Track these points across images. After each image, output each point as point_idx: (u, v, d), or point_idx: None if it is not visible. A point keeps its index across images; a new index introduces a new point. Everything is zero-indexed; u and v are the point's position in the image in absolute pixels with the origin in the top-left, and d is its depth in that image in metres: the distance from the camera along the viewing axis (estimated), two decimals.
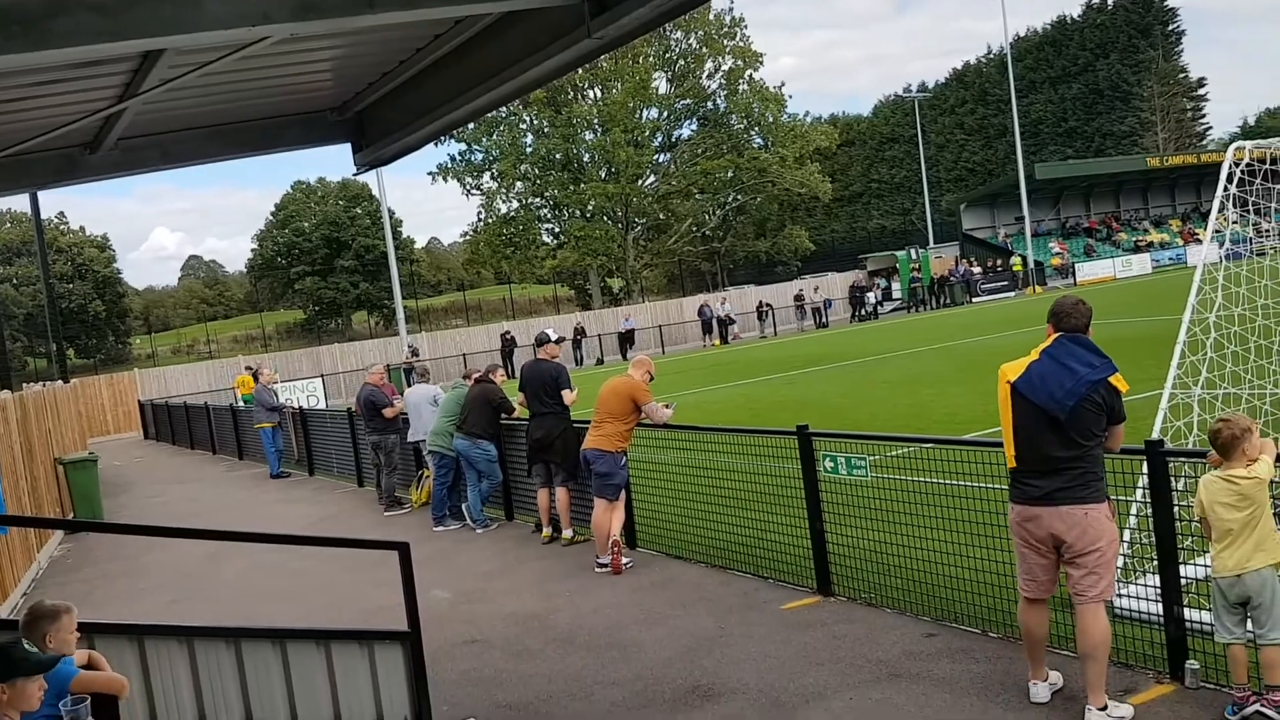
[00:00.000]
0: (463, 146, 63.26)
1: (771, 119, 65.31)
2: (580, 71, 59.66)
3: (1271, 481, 4.68)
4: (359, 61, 5.67)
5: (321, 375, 38.51)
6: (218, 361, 44.23)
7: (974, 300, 50.22)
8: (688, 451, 9.01)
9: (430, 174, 66.55)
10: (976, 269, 53.71)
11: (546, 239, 67.17)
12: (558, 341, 10.74)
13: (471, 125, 58.41)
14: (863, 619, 6.84)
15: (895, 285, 54.15)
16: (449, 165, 64.18)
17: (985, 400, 15.62)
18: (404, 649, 5.34)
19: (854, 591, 7.26)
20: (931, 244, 60.84)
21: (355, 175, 7.10)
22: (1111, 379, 4.82)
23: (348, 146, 6.91)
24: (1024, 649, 5.32)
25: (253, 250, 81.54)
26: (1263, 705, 4.61)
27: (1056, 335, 5.02)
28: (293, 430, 18.76)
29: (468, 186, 64.78)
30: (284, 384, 30.64)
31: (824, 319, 49.28)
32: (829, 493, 7.37)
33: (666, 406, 9.19)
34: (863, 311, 50.19)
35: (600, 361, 43.29)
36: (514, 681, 6.52)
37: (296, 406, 20.69)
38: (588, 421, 9.32)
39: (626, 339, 44.90)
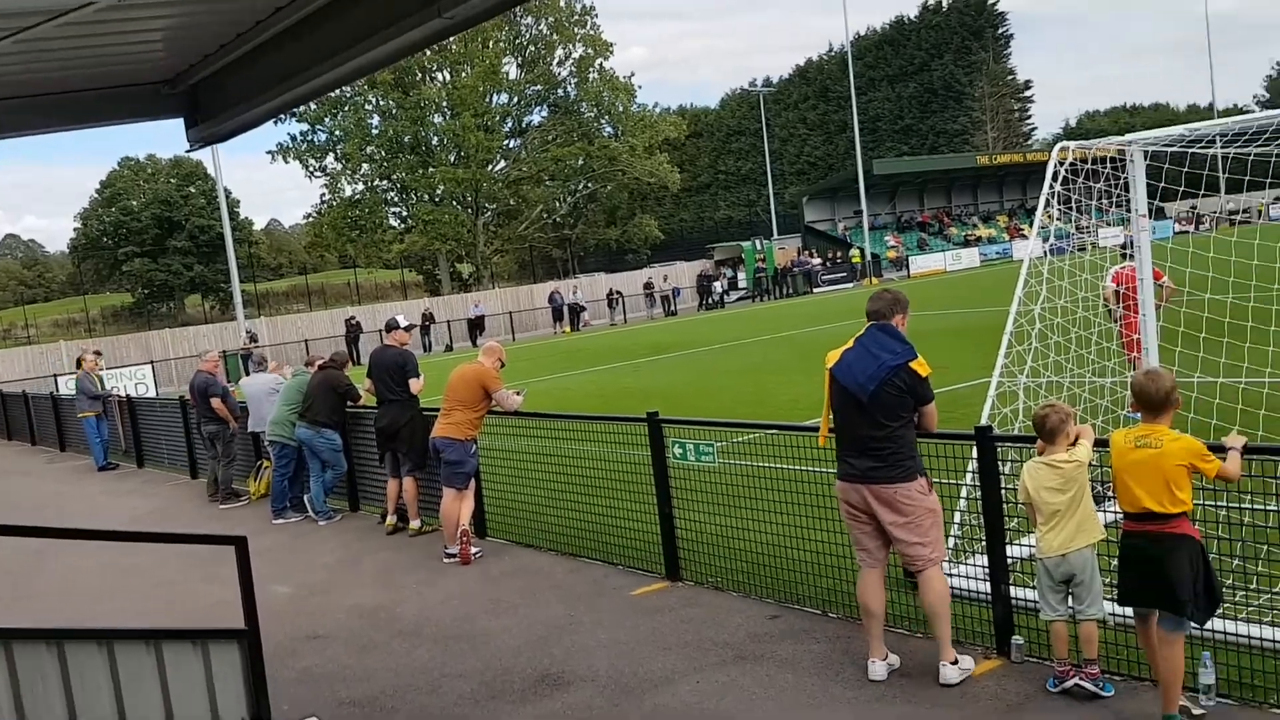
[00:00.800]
0: (305, 126, 61.19)
1: (621, 108, 65.69)
2: (429, 53, 58.50)
3: (1089, 465, 4.99)
4: (193, 32, 5.38)
5: (151, 362, 36.64)
6: (37, 347, 41.48)
7: (815, 291, 51.80)
8: (539, 439, 8.98)
9: (270, 153, 64.13)
10: (817, 260, 55.43)
11: (394, 223, 65.68)
12: (407, 328, 10.52)
13: (314, 104, 56.52)
14: (709, 603, 6.97)
15: (741, 275, 55.34)
16: (290, 145, 61.95)
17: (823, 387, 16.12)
18: (241, 647, 5.13)
19: (701, 576, 7.39)
20: (775, 235, 62.42)
21: (188, 152, 6.74)
22: (911, 364, 5.22)
23: (180, 121, 6.55)
24: (863, 626, 5.53)
25: (76, 229, 76.75)
26: (1080, 679, 4.91)
27: (870, 325, 5.45)
28: (119, 420, 17.77)
29: (310, 168, 62.67)
30: (110, 371, 28.98)
31: (672, 307, 49.91)
32: (678, 479, 7.47)
33: (517, 393, 9.13)
34: (710, 300, 51.09)
35: (449, 348, 42.66)
36: (358, 677, 6.37)
37: (124, 395, 19.60)
38: (437, 409, 9.18)
39: (476, 325, 44.41)
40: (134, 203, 71.55)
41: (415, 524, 9.88)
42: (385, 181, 64.10)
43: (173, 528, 11.25)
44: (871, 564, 5.44)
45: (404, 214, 65.58)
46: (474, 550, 8.76)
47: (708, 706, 5.37)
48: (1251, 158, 7.77)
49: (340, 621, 7.50)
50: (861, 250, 55.87)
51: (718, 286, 52.41)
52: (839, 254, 57.11)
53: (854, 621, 6.18)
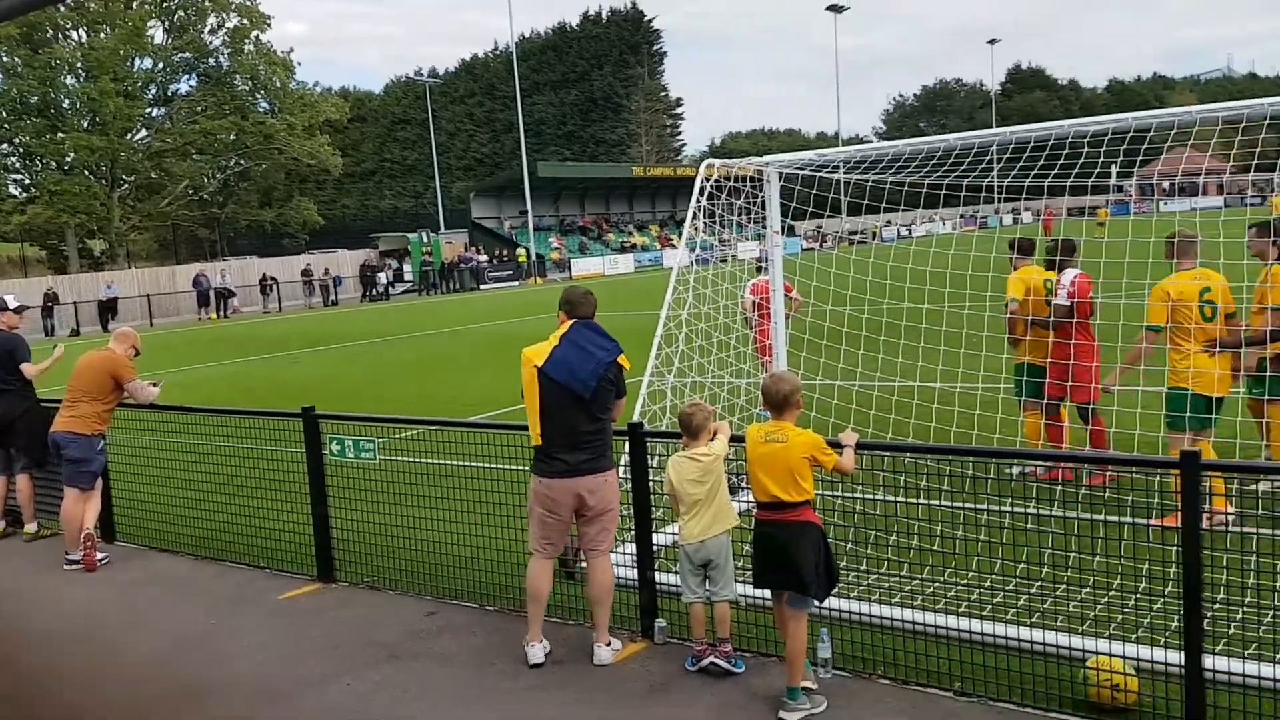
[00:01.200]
0: None
1: (279, 84, 62.39)
2: (63, 10, 52.54)
3: (725, 458, 5.43)
4: None
5: None
6: None
7: (482, 287, 51.96)
8: (177, 435, 8.37)
9: None
10: (484, 257, 55.65)
11: (14, 191, 58.31)
12: (18, 310, 9.40)
13: None
14: (365, 603, 6.83)
15: (407, 267, 54.39)
16: None
17: (493, 384, 16.29)
18: None
19: (357, 576, 7.22)
20: (443, 229, 61.92)
21: None
22: (620, 359, 5.52)
23: None
24: (527, 610, 5.66)
25: None
26: (715, 656, 5.33)
27: (571, 322, 5.57)
28: None
29: None
30: None
31: (334, 297, 48.16)
32: (334, 476, 7.25)
33: (153, 385, 8.46)
34: (374, 292, 49.82)
35: (75, 333, 38.50)
36: None
37: None
38: (59, 401, 8.30)
39: (108, 308, 40.49)
40: None
41: (31, 527, 8.88)
42: (5, 145, 56.79)
43: None
44: (551, 553, 5.62)
45: (27, 182, 58.41)
46: (100, 556, 8.01)
47: (357, 706, 5.27)
48: (869, 184, 8.75)
49: None
50: (527, 250, 56.74)
51: (382, 278, 51.20)
52: (505, 252, 57.64)
53: (511, 614, 6.31)
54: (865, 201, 9.04)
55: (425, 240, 54.60)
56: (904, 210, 13.95)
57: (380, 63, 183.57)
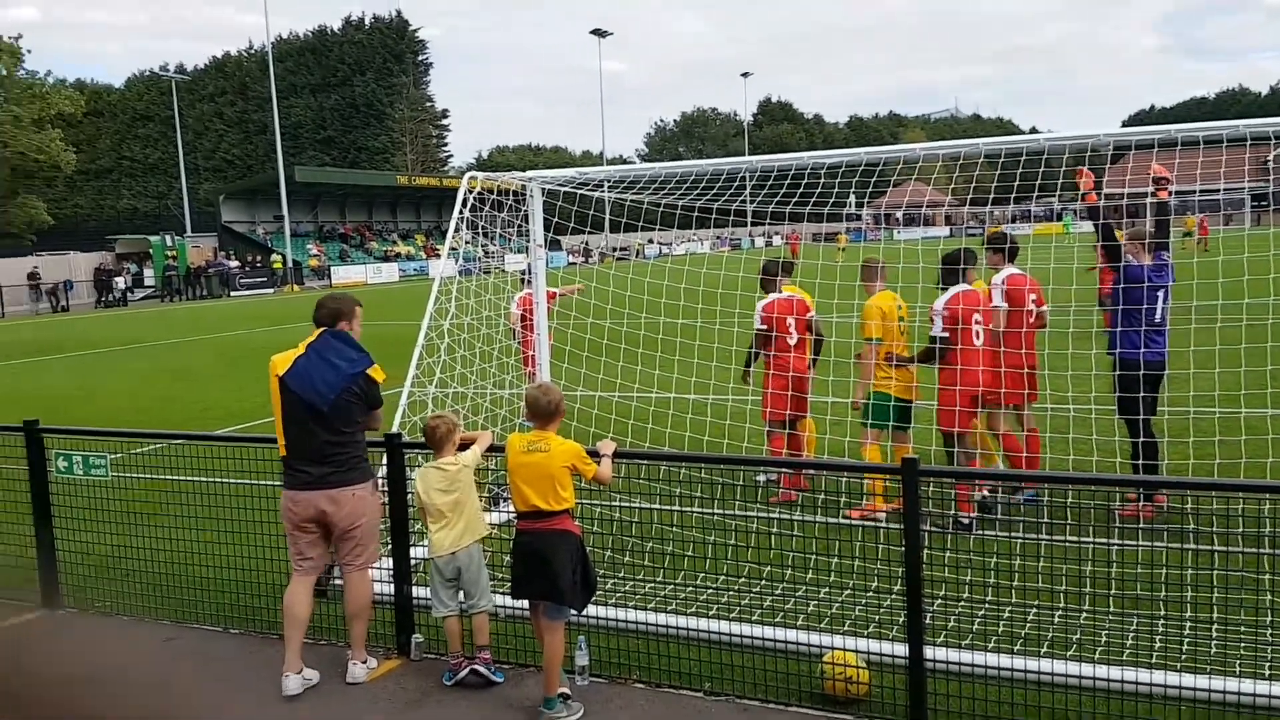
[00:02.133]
0: None
1: (4, 72, 56.96)
2: None
3: (481, 469, 5.45)
4: None
5: None
6: None
7: (232, 294, 49.33)
8: None
9: None
10: (235, 263, 52.90)
11: None
12: None
13: None
14: (95, 630, 6.35)
15: (149, 271, 50.93)
16: None
17: (242, 395, 15.49)
18: None
19: (86, 602, 6.70)
20: (189, 232, 58.42)
21: None
22: (369, 371, 5.36)
23: None
24: (284, 637, 5.38)
25: None
26: (476, 665, 5.32)
27: (320, 331, 5.41)
28: None
29: None
30: None
31: (64, 302, 44.37)
32: (60, 495, 6.70)
33: None
34: (110, 297, 46.30)
35: None
36: None
37: None
38: None
39: None
40: None
41: None
42: None
43: None
44: (308, 571, 5.41)
45: None
46: None
47: None
48: (628, 204, 9.02)
49: None
50: (283, 256, 54.36)
51: (120, 283, 47.64)
52: (259, 258, 54.98)
53: (257, 635, 6.04)
54: (625, 220, 9.30)
55: (169, 243, 51.29)
56: (664, 229, 14.45)
57: (121, 55, 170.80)
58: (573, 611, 5.04)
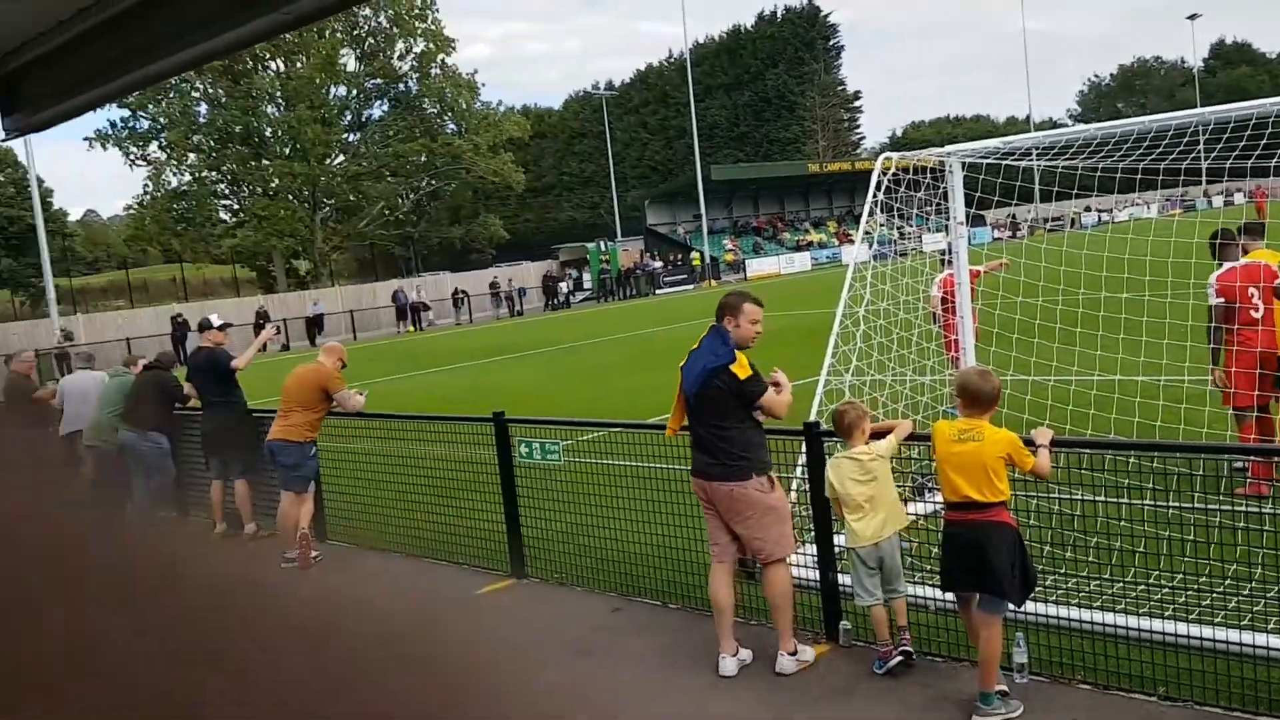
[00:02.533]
0: (126, 113, 57.90)
1: (464, 105, 64.90)
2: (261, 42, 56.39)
3: (903, 458, 5.32)
4: (11, 19, 5.10)
5: None
6: None
7: (657, 292, 52.50)
8: (382, 440, 8.85)
9: (87, 140, 60.05)
10: (659, 263, 56.23)
11: (224, 216, 62.98)
12: (222, 328, 10.15)
13: (137, 90, 53.68)
14: (554, 599, 7.04)
15: (586, 276, 55.58)
16: (109, 132, 58.48)
17: (668, 387, 16.42)
18: None
19: (546, 573, 7.45)
20: (619, 237, 62.92)
21: (3, 141, 6.36)
22: (731, 366, 5.38)
23: None
24: (714, 621, 5.61)
25: None
26: (905, 645, 5.24)
27: (711, 326, 5.63)
28: None
29: (132, 156, 59.34)
30: None
31: (518, 307, 49.73)
32: (523, 477, 7.51)
33: (359, 394, 8.98)
34: (556, 301, 51.14)
35: (285, 348, 41.22)
36: None
37: None
38: (273, 412, 8.93)
39: (315, 324, 43.11)
40: None
41: (250, 528, 9.58)
42: (214, 173, 61.37)
43: None
44: (721, 558, 5.56)
45: (235, 207, 62.98)
46: (314, 554, 8.56)
47: (551, 700, 5.43)
48: (1060, 170, 8.37)
49: None
50: (701, 254, 56.96)
51: (563, 287, 52.52)
52: (680, 257, 58.05)
53: (695, 612, 6.37)
54: (1056, 189, 8.62)
55: (603, 249, 55.64)
56: (1102, 195, 13.26)
57: (559, 80, 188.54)
58: (1010, 606, 4.78)
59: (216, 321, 10.11)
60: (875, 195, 7.74)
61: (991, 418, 4.86)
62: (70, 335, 35.08)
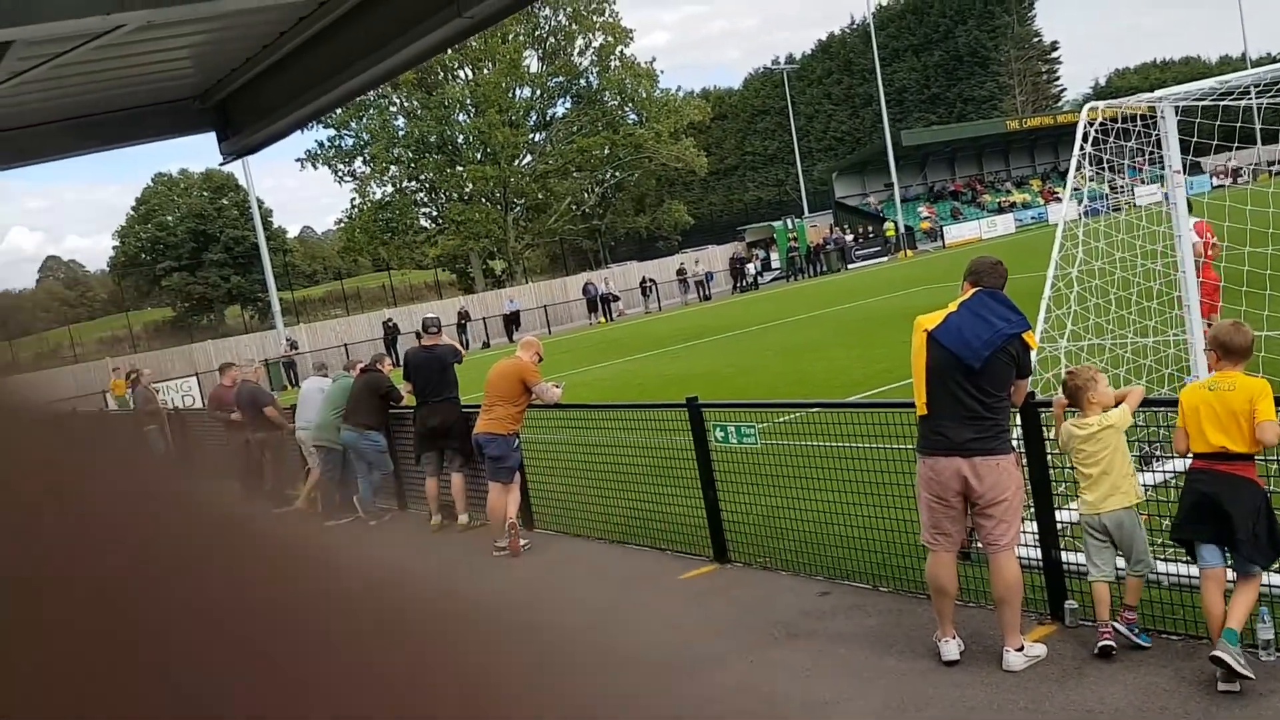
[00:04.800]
0: (331, 132, 61.67)
1: (644, 94, 65.53)
2: (450, 52, 58.68)
3: (1135, 427, 4.99)
4: (220, 48, 5.48)
5: (196, 374, 37.18)
6: (84, 365, 42.23)
7: (850, 267, 51.46)
8: (580, 430, 9.03)
9: (299, 160, 64.62)
10: (850, 236, 55.03)
11: (425, 223, 66.10)
12: (438, 329, 10.64)
13: (340, 110, 56.99)
14: (759, 583, 6.99)
15: (774, 255, 55.09)
16: (318, 152, 62.49)
17: (866, 363, 16.08)
18: None
19: (749, 557, 7.41)
20: (806, 213, 62.08)
21: (221, 165, 6.86)
22: (1025, 335, 5.08)
23: (212, 135, 6.67)
24: (933, 604, 5.39)
25: (114, 248, 77.92)
26: (1116, 623, 4.94)
27: (975, 290, 5.21)
28: (168, 432, 18.10)
29: (339, 173, 63.23)
30: (157, 384, 29.47)
31: (706, 292, 49.83)
32: (721, 462, 7.49)
33: (556, 386, 9.19)
34: (744, 283, 50.95)
35: (486, 345, 42.93)
36: None
37: (171, 407, 19.95)
38: (477, 406, 9.27)
39: (512, 321, 44.63)
40: (169, 218, 72.63)
41: (464, 519, 9.99)
42: (414, 183, 64.48)
43: None
44: (948, 546, 5.22)
45: (435, 214, 65.97)
46: (523, 542, 8.84)
47: (763, 683, 5.40)
48: None
49: None
50: (895, 223, 55.41)
51: (751, 268, 52.24)
52: (871, 228, 56.64)
53: (905, 595, 6.18)
54: None
55: (789, 226, 54.96)
56: None
57: (740, 58, 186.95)
58: (1255, 566, 4.44)
59: (444, 322, 10.64)
60: (1082, 147, 7.27)
61: (1245, 371, 4.59)
62: (295, 344, 37.76)
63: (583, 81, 66.73)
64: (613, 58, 65.68)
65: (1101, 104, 7.53)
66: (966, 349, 4.97)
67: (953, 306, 5.19)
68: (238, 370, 13.47)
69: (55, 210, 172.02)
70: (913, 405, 5.28)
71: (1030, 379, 5.22)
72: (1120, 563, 5.01)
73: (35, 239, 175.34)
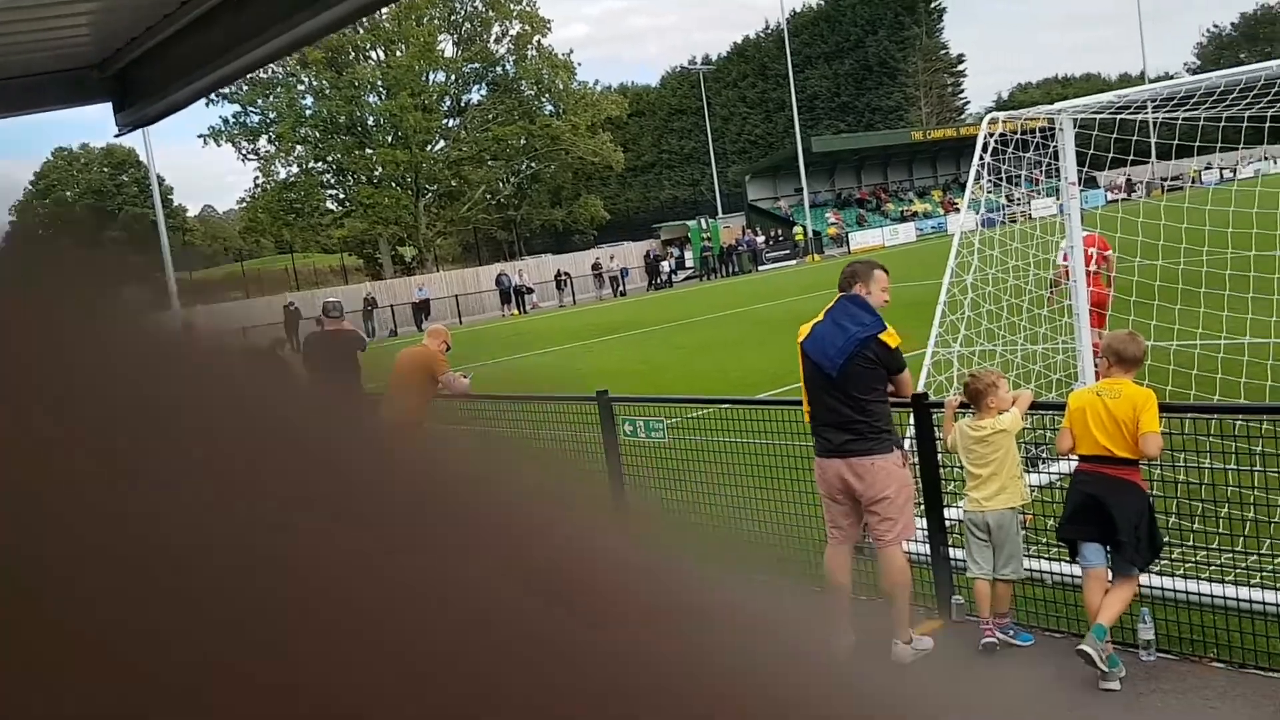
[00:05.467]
0: (236, 108, 60.00)
1: (561, 86, 65.29)
2: (362, 31, 57.67)
3: (1023, 430, 5.16)
4: (118, 15, 5.27)
5: None
6: None
7: (760, 268, 52.11)
8: (489, 422, 8.95)
9: (201, 137, 62.56)
10: (761, 238, 55.74)
11: (331, 205, 64.77)
12: (342, 314, 10.41)
13: (245, 86, 55.49)
14: None
15: (688, 254, 55.46)
16: (221, 129, 60.72)
17: (776, 362, 16.27)
18: None
19: None
20: (720, 214, 62.58)
21: (117, 136, 6.60)
22: (881, 335, 5.14)
23: (109, 107, 6.40)
24: (829, 601, 5.45)
25: (11, 222, 74.55)
26: (993, 629, 5.10)
27: (839, 297, 5.35)
28: None
29: (243, 151, 61.53)
30: None
31: (621, 287, 49.94)
32: (629, 456, 7.51)
33: (465, 377, 9.10)
34: (658, 280, 51.17)
35: (394, 333, 42.28)
36: None
37: None
38: (380, 395, 9.12)
39: (421, 309, 44.06)
40: (68, 193, 69.94)
41: None
42: (320, 164, 63.14)
43: None
44: (841, 539, 5.36)
45: (342, 196, 64.71)
46: None
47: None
48: (1180, 122, 7.95)
49: None
50: (804, 227, 56.27)
51: (665, 266, 52.48)
52: (781, 232, 57.44)
53: (815, 592, 6.28)
54: (1176, 142, 8.19)
55: (703, 226, 55.38)
56: (1226, 150, 12.60)
57: (658, 54, 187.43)
58: (1133, 568, 4.62)
59: (343, 308, 10.40)
60: (982, 158, 7.48)
61: (1134, 380, 4.77)
62: None
63: (499, 69, 66.15)
64: (530, 47, 65.30)
65: (1003, 115, 7.75)
66: (825, 358, 5.13)
67: (820, 315, 5.33)
68: None
69: None
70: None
71: (906, 372, 5.28)
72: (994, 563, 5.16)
73: None
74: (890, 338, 5.19)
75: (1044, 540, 5.46)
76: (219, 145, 61.16)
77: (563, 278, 49.27)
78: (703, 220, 56.99)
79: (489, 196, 69.84)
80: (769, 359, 16.93)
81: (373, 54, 61.98)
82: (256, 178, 63.99)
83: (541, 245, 76.26)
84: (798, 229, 56.78)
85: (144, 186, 62.72)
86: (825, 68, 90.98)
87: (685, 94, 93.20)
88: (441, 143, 65.49)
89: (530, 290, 47.75)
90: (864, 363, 5.10)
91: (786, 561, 6.42)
